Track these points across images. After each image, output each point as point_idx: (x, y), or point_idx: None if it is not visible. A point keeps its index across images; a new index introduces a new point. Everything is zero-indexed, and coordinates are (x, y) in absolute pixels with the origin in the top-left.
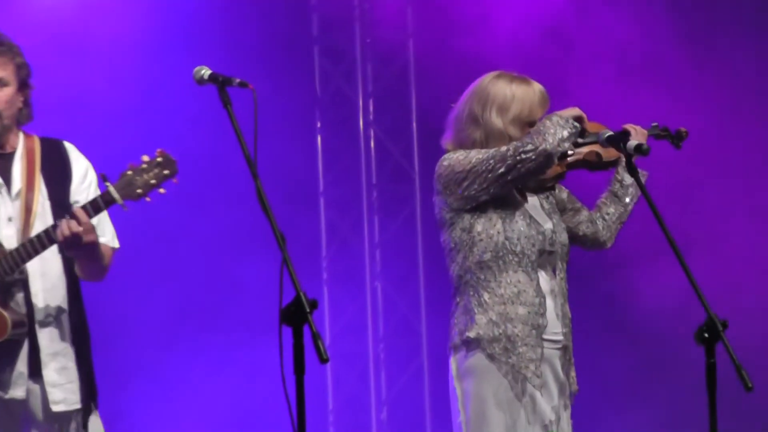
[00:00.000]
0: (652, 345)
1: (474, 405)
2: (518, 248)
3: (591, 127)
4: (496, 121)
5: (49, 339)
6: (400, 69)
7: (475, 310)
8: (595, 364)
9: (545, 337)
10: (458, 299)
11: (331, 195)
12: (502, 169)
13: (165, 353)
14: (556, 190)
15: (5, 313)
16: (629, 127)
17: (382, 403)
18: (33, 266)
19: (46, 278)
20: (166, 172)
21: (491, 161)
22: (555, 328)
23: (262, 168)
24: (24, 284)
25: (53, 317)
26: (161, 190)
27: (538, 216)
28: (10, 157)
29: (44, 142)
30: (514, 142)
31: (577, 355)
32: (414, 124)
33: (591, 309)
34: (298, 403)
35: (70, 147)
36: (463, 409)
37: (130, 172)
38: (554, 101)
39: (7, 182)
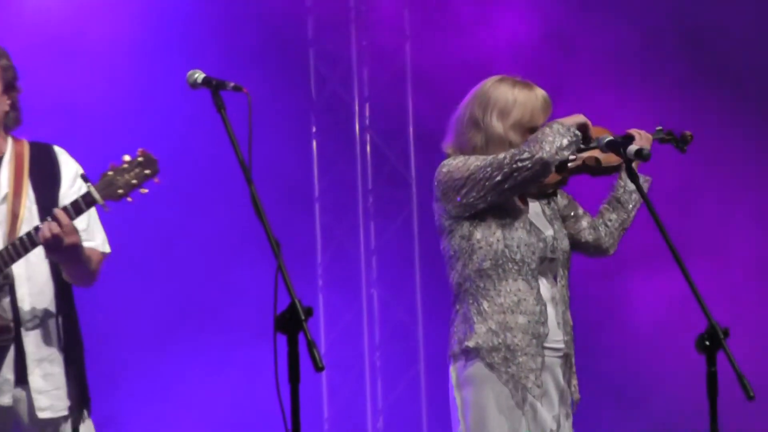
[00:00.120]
0: (651, 352)
1: (474, 414)
2: (518, 256)
3: (596, 132)
4: (497, 125)
5: (35, 345)
6: (397, 73)
7: (475, 319)
8: (593, 371)
9: (546, 345)
10: (457, 307)
11: (326, 200)
12: (498, 177)
13: (160, 356)
14: (558, 196)
15: None
16: (633, 131)
17: (378, 411)
18: (19, 271)
19: (32, 283)
20: (147, 171)
21: (488, 169)
22: (556, 336)
23: (256, 173)
24: (10, 289)
25: (40, 322)
26: (143, 190)
27: (539, 223)
28: None
29: (34, 146)
30: (512, 150)
31: (577, 362)
32: (411, 129)
33: (588, 315)
34: (293, 411)
35: (60, 151)
36: (462, 419)
37: (111, 173)
38: (553, 105)
39: None
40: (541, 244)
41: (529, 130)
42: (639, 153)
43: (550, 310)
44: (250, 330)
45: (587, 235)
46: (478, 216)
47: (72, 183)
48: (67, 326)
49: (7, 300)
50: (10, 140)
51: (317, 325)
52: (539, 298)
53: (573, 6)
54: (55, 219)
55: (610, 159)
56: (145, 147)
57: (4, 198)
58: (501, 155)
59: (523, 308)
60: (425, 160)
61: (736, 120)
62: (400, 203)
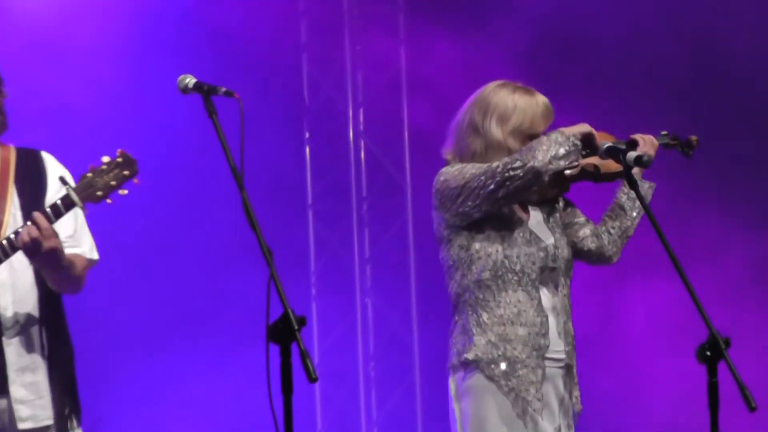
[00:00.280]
0: (649, 361)
1: (473, 425)
2: (518, 267)
3: (601, 137)
4: (496, 131)
5: (16, 354)
6: (392, 77)
7: (474, 331)
8: (591, 381)
9: (547, 356)
10: (456, 318)
11: (319, 207)
12: (492, 186)
13: (152, 363)
14: (560, 203)
15: None
16: (638, 137)
17: (372, 423)
18: (2, 278)
19: (16, 290)
20: (126, 172)
21: (482, 177)
22: (557, 346)
23: (248, 180)
24: None
25: (23, 330)
26: (122, 192)
27: (539, 231)
28: None
29: (20, 152)
30: (505, 158)
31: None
32: (406, 135)
33: (586, 324)
34: (286, 423)
35: (47, 157)
36: (461, 430)
37: (90, 174)
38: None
39: None
40: (541, 254)
41: (529, 136)
42: (639, 160)
43: (551, 321)
44: (244, 337)
45: (590, 243)
46: (476, 225)
47: (59, 189)
48: (52, 334)
49: None
50: None
51: (310, 334)
52: (540, 309)
53: (571, 10)
54: (34, 223)
55: (609, 165)
56: (140, 153)
57: None
58: (495, 164)
59: (523, 320)
60: (421, 167)
61: (735, 123)
62: (395, 210)
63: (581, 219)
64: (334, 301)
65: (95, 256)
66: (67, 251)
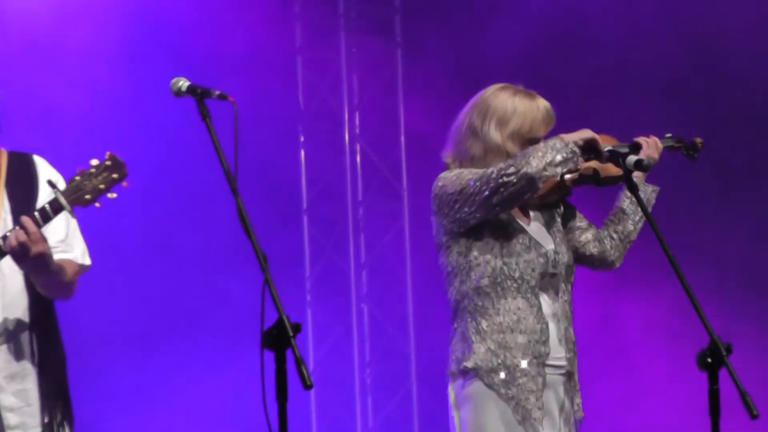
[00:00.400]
0: (649, 367)
1: None
2: (517, 273)
3: (604, 141)
4: (495, 134)
5: (5, 360)
6: (388, 80)
7: (473, 339)
8: (590, 387)
9: (548, 363)
10: (456, 325)
11: (315, 212)
12: (486, 192)
13: (146, 366)
14: (562, 207)
15: None
16: (641, 139)
17: (368, 430)
18: None
19: (5, 295)
20: (115, 176)
21: (478, 183)
22: (558, 353)
23: (242, 184)
24: None
25: (12, 337)
26: (111, 195)
27: (539, 237)
28: None
29: (12, 156)
30: (500, 164)
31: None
32: (402, 138)
33: (585, 330)
34: (281, 431)
35: (39, 161)
36: None
37: (78, 177)
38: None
39: None
40: (541, 260)
41: (528, 141)
42: (639, 164)
43: (552, 327)
44: (241, 340)
45: (592, 248)
46: (475, 232)
47: (49, 192)
48: (43, 339)
49: None
50: None
51: (305, 341)
52: (540, 316)
53: (568, 11)
54: (22, 227)
55: (609, 169)
56: (139, 155)
57: None
58: (490, 169)
59: (523, 327)
60: (418, 171)
61: (734, 124)
62: (392, 215)
63: (583, 223)
64: (330, 306)
65: (87, 261)
66: (59, 256)
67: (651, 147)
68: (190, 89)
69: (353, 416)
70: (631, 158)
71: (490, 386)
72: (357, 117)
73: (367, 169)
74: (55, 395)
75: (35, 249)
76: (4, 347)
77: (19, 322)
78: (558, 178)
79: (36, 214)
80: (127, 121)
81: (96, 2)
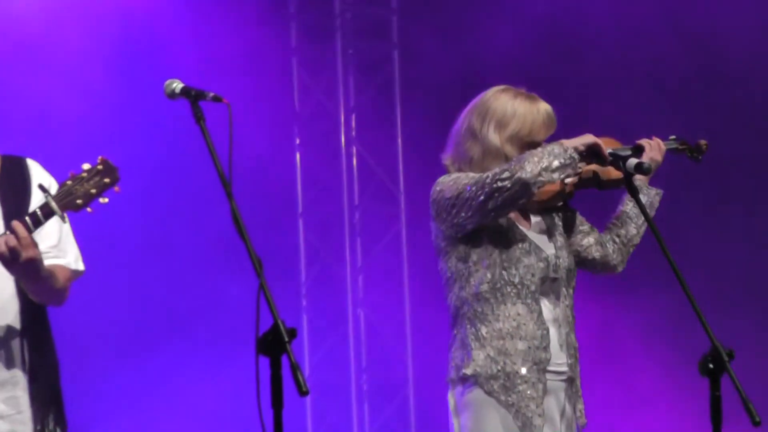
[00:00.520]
0: (648, 373)
1: None
2: (516, 279)
3: (606, 144)
4: (493, 137)
5: None
6: (385, 82)
7: (472, 345)
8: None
9: (548, 369)
10: (455, 331)
11: (310, 215)
12: (482, 197)
13: (142, 368)
14: (564, 211)
15: None
16: (644, 142)
17: None
18: None
19: None
20: (106, 180)
21: (473, 188)
22: (559, 359)
23: (237, 187)
24: None
25: (2, 343)
26: (103, 200)
27: (540, 241)
28: None
29: (5, 159)
30: (495, 169)
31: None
32: (399, 141)
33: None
34: None
35: (32, 164)
36: None
37: (69, 182)
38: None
39: None
40: (541, 264)
41: (528, 144)
42: (639, 167)
43: (553, 333)
44: (238, 343)
45: (594, 252)
46: (474, 236)
47: (42, 197)
48: (34, 346)
49: None
50: None
51: (301, 346)
52: (541, 322)
53: (567, 12)
54: (12, 231)
55: (611, 172)
56: (136, 156)
57: None
58: (485, 174)
59: (522, 333)
60: (414, 174)
61: (734, 125)
62: (388, 219)
63: (585, 227)
64: (326, 311)
65: (81, 267)
66: (51, 262)
67: (654, 149)
68: (184, 91)
69: (349, 422)
70: (632, 161)
71: (489, 393)
72: (353, 119)
73: (364, 172)
74: (48, 402)
75: (26, 254)
76: None
77: (9, 329)
78: (557, 183)
79: (27, 218)
80: (122, 123)
81: (89, 4)
